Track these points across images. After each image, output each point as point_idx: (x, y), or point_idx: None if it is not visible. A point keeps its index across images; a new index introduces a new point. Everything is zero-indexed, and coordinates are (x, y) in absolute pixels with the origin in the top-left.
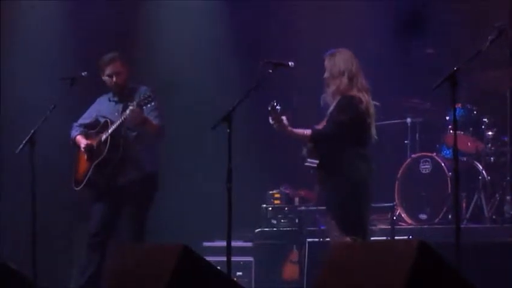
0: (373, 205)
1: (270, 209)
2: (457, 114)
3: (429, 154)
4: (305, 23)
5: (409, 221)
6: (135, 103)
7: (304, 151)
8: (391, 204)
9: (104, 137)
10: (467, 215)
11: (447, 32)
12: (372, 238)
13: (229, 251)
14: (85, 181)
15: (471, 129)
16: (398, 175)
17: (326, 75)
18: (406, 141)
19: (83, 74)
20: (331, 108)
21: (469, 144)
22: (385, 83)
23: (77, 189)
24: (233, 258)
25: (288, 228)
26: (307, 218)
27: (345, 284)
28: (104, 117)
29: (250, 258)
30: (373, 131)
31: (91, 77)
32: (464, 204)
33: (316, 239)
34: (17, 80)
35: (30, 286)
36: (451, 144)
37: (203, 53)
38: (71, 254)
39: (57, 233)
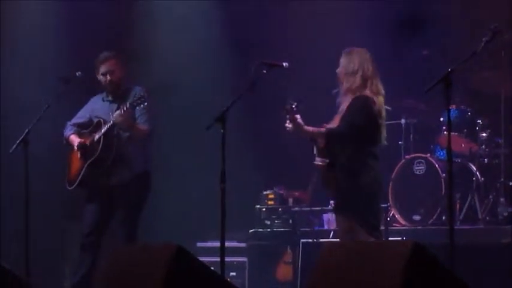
0: None
1: (264, 209)
2: (451, 115)
3: (423, 155)
4: (300, 24)
5: (403, 222)
6: (127, 104)
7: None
8: (385, 205)
9: (96, 136)
10: (461, 216)
11: (442, 33)
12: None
13: (223, 251)
14: (78, 181)
15: (465, 130)
16: (392, 176)
17: (339, 70)
18: (400, 142)
19: (77, 74)
20: (344, 106)
21: (463, 145)
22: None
23: (70, 188)
24: (227, 259)
25: (282, 229)
26: (301, 218)
27: (338, 285)
28: (97, 117)
29: (244, 259)
30: (384, 133)
31: (85, 77)
32: (458, 206)
33: (310, 240)
34: (10, 79)
35: (23, 285)
36: (445, 145)
37: (198, 53)
38: (64, 254)
39: (50, 233)
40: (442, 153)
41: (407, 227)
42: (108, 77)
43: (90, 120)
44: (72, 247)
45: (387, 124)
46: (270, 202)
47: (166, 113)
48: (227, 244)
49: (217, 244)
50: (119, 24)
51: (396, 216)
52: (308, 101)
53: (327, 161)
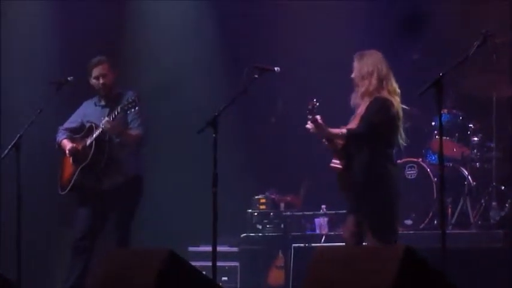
0: None
1: (256, 214)
2: (443, 119)
3: (415, 159)
4: (294, 27)
5: None
6: (119, 108)
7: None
8: None
9: (88, 141)
10: (453, 221)
11: (434, 37)
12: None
13: (214, 256)
14: (70, 185)
15: (457, 134)
16: None
17: (354, 75)
18: None
19: (69, 78)
20: (362, 108)
21: (454, 149)
22: None
23: (62, 193)
24: (218, 263)
25: (274, 234)
26: (293, 223)
27: None
28: (89, 121)
29: (236, 263)
30: (402, 134)
31: (77, 81)
32: (449, 210)
33: (302, 244)
34: (2, 84)
35: None
36: (436, 149)
37: (190, 57)
38: (56, 258)
39: (42, 237)
40: (433, 158)
41: (399, 232)
42: (101, 81)
43: (82, 125)
44: (64, 252)
45: None
46: (261, 206)
47: (158, 116)
48: (219, 248)
49: (209, 248)
50: (111, 27)
51: None
52: (300, 103)
53: (343, 163)
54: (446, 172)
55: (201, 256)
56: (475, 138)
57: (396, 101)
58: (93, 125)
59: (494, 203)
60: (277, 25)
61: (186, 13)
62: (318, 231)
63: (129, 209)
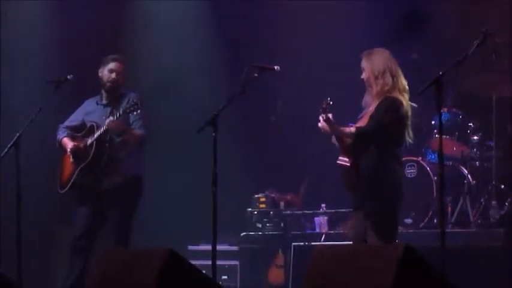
0: None
1: (256, 213)
2: (442, 118)
3: (414, 158)
4: (293, 27)
5: None
6: (121, 110)
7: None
8: None
9: (89, 141)
10: (453, 220)
11: (433, 36)
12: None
13: (214, 254)
14: (70, 184)
15: (457, 133)
16: None
17: (366, 75)
18: None
19: (68, 77)
20: (372, 108)
21: (454, 148)
22: None
23: (61, 192)
24: (218, 262)
25: (274, 232)
26: (293, 221)
27: (329, 287)
28: (90, 120)
29: (236, 262)
30: (410, 133)
31: (77, 80)
32: (449, 209)
33: (302, 243)
34: (1, 83)
35: None
36: (436, 148)
37: (190, 57)
38: (56, 257)
39: (42, 236)
40: (433, 157)
41: (398, 230)
42: (113, 76)
43: (83, 124)
44: (64, 251)
45: None
46: (261, 205)
47: (157, 115)
48: (219, 247)
49: (209, 247)
50: (111, 27)
51: None
52: (300, 103)
53: (351, 160)
54: (446, 171)
55: (201, 255)
56: (475, 137)
57: (405, 99)
58: (95, 124)
59: (494, 202)
60: (277, 25)
61: (186, 13)
62: (317, 230)
63: (128, 209)
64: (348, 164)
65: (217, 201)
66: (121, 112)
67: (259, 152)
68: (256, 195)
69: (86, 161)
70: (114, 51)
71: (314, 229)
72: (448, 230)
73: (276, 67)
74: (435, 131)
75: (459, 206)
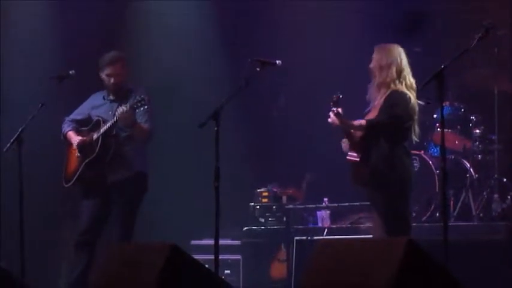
0: (361, 203)
1: (258, 207)
2: (444, 112)
3: (417, 152)
4: (294, 22)
5: None
6: (128, 105)
7: (344, 144)
8: None
9: (95, 135)
10: (455, 213)
11: (437, 30)
12: (360, 236)
13: (217, 249)
14: (75, 179)
15: (459, 127)
16: None
17: (373, 65)
18: None
19: (70, 72)
20: (379, 101)
21: (456, 142)
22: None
23: (66, 186)
24: (221, 257)
25: (276, 227)
26: (295, 216)
27: (331, 282)
28: (97, 115)
29: (238, 257)
30: (417, 130)
31: (78, 77)
32: (451, 202)
33: (304, 237)
34: (4, 78)
35: (18, 284)
36: (438, 142)
37: (191, 51)
38: (59, 252)
39: (45, 231)
40: (435, 150)
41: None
42: (112, 80)
43: (89, 118)
44: (68, 245)
45: None
46: (263, 200)
47: (160, 110)
48: (221, 242)
49: (211, 242)
50: (113, 22)
51: None
52: (302, 97)
53: (360, 155)
54: (448, 165)
55: (204, 249)
56: (477, 131)
57: (413, 95)
58: (101, 119)
59: (496, 195)
60: (278, 21)
61: (188, 12)
62: (320, 224)
63: (132, 204)
64: (358, 159)
65: (219, 195)
66: (128, 108)
67: (261, 147)
68: (258, 190)
69: (92, 155)
70: (116, 48)
71: (316, 223)
72: (450, 224)
73: (277, 61)
74: (437, 124)
75: (461, 199)
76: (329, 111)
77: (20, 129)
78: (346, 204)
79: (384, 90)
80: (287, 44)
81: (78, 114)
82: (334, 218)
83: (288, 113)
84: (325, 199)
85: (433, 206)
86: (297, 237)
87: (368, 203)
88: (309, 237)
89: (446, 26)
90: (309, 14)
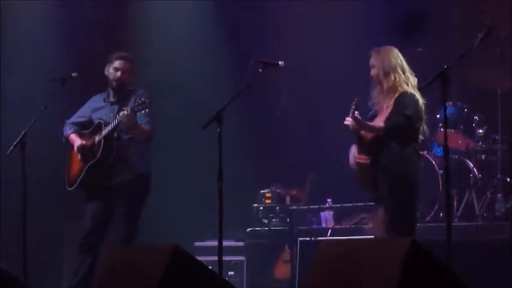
0: (364, 204)
1: (262, 208)
2: (447, 112)
3: (420, 152)
4: (297, 23)
5: None
6: (129, 108)
7: (352, 152)
8: None
9: (97, 138)
10: (459, 213)
11: (438, 30)
12: (363, 237)
13: (220, 250)
14: (78, 182)
15: (462, 127)
16: None
17: (376, 72)
18: None
19: (73, 74)
20: (388, 104)
21: (459, 142)
22: None
23: (69, 189)
24: (224, 258)
25: (280, 228)
26: (299, 217)
27: (335, 282)
28: (98, 118)
29: (242, 258)
30: (425, 128)
31: (82, 77)
32: (455, 202)
33: (308, 238)
34: (6, 80)
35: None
36: (441, 142)
37: (193, 52)
38: (62, 255)
39: (48, 234)
40: (438, 150)
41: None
42: (119, 74)
43: (90, 121)
44: (71, 248)
45: None
46: (267, 201)
47: (162, 112)
48: (225, 243)
49: (215, 243)
50: (116, 24)
51: None
52: (304, 97)
53: (370, 157)
54: (452, 164)
55: (207, 251)
56: (480, 131)
57: (419, 95)
58: (102, 122)
59: (499, 195)
60: (281, 21)
61: (191, 11)
62: (323, 225)
63: (135, 206)
64: (367, 161)
65: (223, 197)
66: (129, 110)
67: (264, 148)
68: (262, 191)
69: (94, 158)
70: (118, 49)
71: (320, 224)
72: (454, 224)
73: (280, 62)
74: (440, 124)
75: (465, 199)
76: (348, 114)
77: (23, 132)
78: (350, 204)
79: (393, 93)
80: (289, 43)
81: (79, 116)
82: (337, 218)
83: (291, 114)
84: (329, 200)
85: (436, 206)
86: (301, 238)
87: (371, 203)
88: (312, 238)
89: (446, 25)
90: (312, 14)
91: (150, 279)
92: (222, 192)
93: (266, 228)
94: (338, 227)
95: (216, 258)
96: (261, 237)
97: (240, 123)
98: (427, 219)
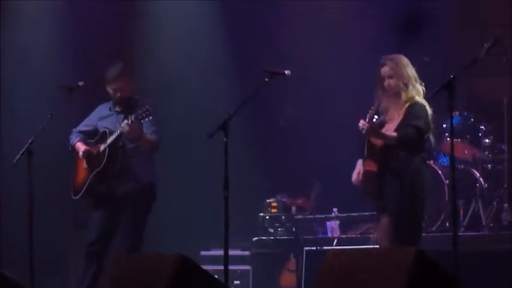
0: (370, 213)
1: (267, 217)
2: (454, 121)
3: (426, 162)
4: (302, 30)
5: None
6: (133, 116)
7: (359, 165)
8: None
9: (102, 147)
10: (465, 223)
11: (444, 40)
12: (369, 246)
13: (226, 259)
14: (83, 191)
15: (468, 136)
16: None
17: (395, 83)
18: None
19: (79, 83)
20: (399, 113)
21: (466, 151)
22: None
23: (75, 198)
24: (230, 267)
25: (285, 237)
26: (304, 226)
27: None
28: (103, 126)
29: (248, 267)
30: (432, 138)
31: (88, 86)
32: (461, 212)
33: (313, 248)
34: (14, 89)
35: None
36: (448, 151)
37: (200, 61)
38: (68, 264)
39: (54, 242)
40: (445, 160)
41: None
42: (119, 94)
43: (96, 130)
44: (77, 256)
45: None
46: (273, 210)
47: (168, 121)
48: (231, 252)
49: (221, 252)
50: (121, 30)
51: None
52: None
53: (378, 166)
54: (458, 174)
55: (213, 260)
56: (487, 140)
57: (428, 105)
58: (107, 130)
59: (506, 205)
60: (287, 28)
61: (195, 16)
62: (329, 235)
63: (141, 215)
64: (375, 170)
65: (228, 206)
66: (133, 119)
67: (270, 157)
68: (267, 200)
69: (99, 167)
70: (122, 53)
71: (326, 233)
72: (460, 233)
73: (286, 72)
74: (446, 134)
75: (471, 209)
76: (365, 119)
77: (29, 141)
78: (356, 214)
79: (405, 103)
80: (296, 48)
81: (86, 125)
82: (343, 228)
83: (297, 123)
84: (335, 209)
85: (442, 216)
86: (307, 248)
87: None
88: (318, 248)
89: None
90: (319, 21)
91: None
92: (228, 201)
93: (272, 238)
94: (344, 236)
95: (221, 267)
96: (266, 247)
97: (246, 132)
98: (433, 229)
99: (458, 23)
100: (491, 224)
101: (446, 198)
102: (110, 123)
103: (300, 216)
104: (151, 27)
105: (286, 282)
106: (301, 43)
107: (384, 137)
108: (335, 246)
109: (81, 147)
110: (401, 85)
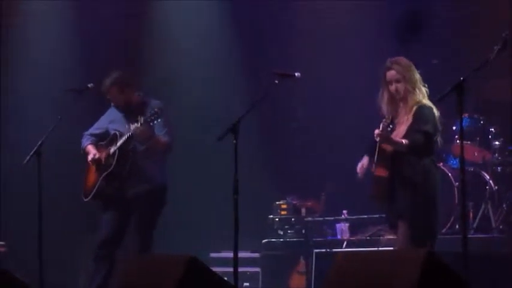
0: (380, 216)
1: (277, 219)
2: (464, 124)
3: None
4: (312, 32)
5: None
6: (142, 119)
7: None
8: None
9: (112, 149)
10: (475, 225)
11: (452, 41)
12: (379, 248)
13: (236, 261)
14: (93, 193)
15: (478, 139)
16: None
17: (402, 87)
18: None
19: (89, 85)
20: (407, 117)
21: (475, 154)
22: None
23: (85, 200)
24: (240, 269)
25: (295, 239)
26: (314, 228)
27: None
28: (114, 129)
29: (258, 269)
30: (440, 140)
31: (97, 87)
32: (471, 214)
33: (323, 250)
34: (23, 92)
35: None
36: (457, 154)
37: (209, 63)
38: (78, 265)
39: (64, 244)
40: (455, 162)
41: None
42: (119, 102)
43: (107, 132)
44: (87, 258)
45: None
46: (283, 212)
47: (178, 123)
48: (240, 254)
49: (231, 254)
50: (129, 31)
51: None
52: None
53: (389, 171)
54: (468, 176)
55: (223, 262)
56: (496, 142)
57: (434, 107)
58: (117, 133)
59: None
60: (297, 29)
61: (205, 16)
62: (339, 237)
63: (151, 217)
64: (385, 175)
65: (238, 208)
66: (142, 122)
67: (280, 159)
68: (277, 202)
69: (109, 170)
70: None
71: (335, 236)
72: (469, 236)
73: (296, 74)
74: (456, 136)
75: (481, 211)
76: (381, 125)
77: (39, 143)
78: (365, 216)
79: (411, 106)
80: (304, 53)
81: (97, 128)
82: (353, 230)
83: (307, 125)
84: (345, 211)
85: (452, 218)
86: (316, 250)
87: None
88: (328, 250)
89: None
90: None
91: None
92: (237, 203)
93: (281, 240)
94: (354, 238)
95: (231, 269)
96: (276, 249)
97: (256, 134)
98: (443, 231)
99: (465, 25)
100: (500, 226)
101: (456, 201)
102: (121, 126)
103: (309, 219)
104: (161, 28)
105: (295, 284)
106: (312, 44)
107: (396, 144)
108: (344, 248)
109: (91, 150)
110: (410, 89)
